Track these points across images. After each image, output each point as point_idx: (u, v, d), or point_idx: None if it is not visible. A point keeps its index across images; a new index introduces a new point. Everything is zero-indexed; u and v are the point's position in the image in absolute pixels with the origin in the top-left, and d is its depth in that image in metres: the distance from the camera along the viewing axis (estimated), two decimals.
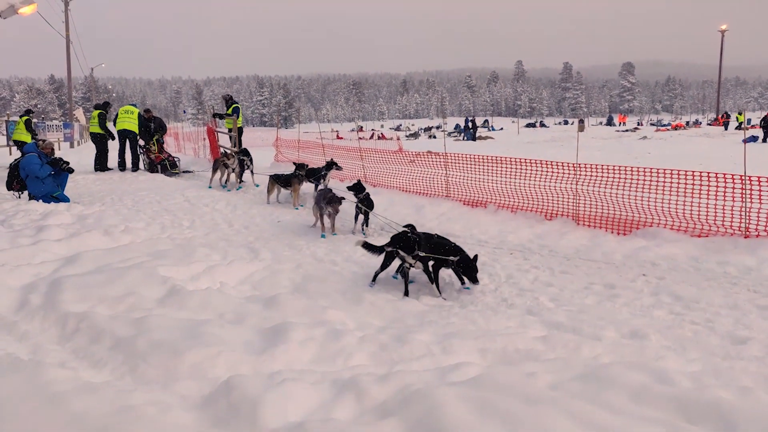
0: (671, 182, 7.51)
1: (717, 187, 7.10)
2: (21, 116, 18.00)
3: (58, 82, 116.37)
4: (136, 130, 16.49)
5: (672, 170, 7.56)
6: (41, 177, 10.29)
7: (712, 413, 2.88)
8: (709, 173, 7.21)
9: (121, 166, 16.84)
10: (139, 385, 3.46)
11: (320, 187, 10.57)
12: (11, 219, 8.23)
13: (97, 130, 16.98)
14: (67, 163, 10.85)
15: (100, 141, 17.03)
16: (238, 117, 15.71)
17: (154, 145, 16.59)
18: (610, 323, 4.72)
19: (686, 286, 5.59)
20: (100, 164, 16.93)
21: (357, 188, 8.87)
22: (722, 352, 4.17)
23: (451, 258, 5.84)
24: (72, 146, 32.73)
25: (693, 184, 7.31)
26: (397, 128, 72.16)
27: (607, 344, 4.24)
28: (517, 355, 4.04)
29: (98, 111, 17.17)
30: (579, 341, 4.25)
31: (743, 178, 6.79)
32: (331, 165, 11.48)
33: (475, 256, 5.85)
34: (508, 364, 3.89)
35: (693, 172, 7.37)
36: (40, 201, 9.99)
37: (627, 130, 49.41)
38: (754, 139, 28.20)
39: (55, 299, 4.72)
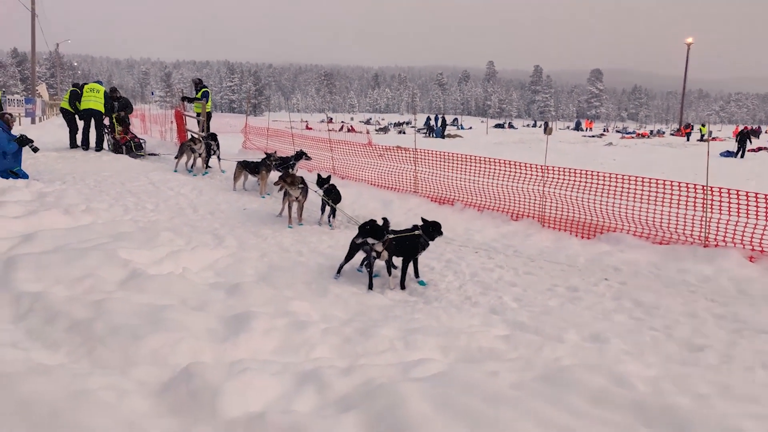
0: (636, 189, 7.66)
1: (680, 196, 7.27)
2: None
3: (21, 55, 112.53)
4: (102, 109, 16.03)
5: (637, 177, 7.71)
6: (9, 152, 9.99)
7: (669, 418, 2.93)
8: (672, 182, 7.38)
9: (85, 144, 16.38)
10: (95, 369, 3.36)
11: None
12: None
13: (65, 106, 16.61)
14: (32, 141, 10.53)
15: (69, 118, 16.61)
16: (207, 101, 15.45)
17: (116, 123, 16.15)
18: (572, 326, 4.79)
19: (647, 293, 5.71)
20: (72, 141, 16.55)
21: (321, 180, 8.83)
22: (679, 358, 4.27)
23: (417, 232, 5.93)
24: (33, 122, 31.73)
25: (657, 192, 7.46)
26: (367, 122, 71.93)
27: (568, 346, 4.31)
28: (480, 354, 4.07)
29: (72, 89, 16.70)
30: (541, 342, 4.31)
31: (705, 188, 6.97)
32: (300, 155, 11.40)
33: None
34: (471, 362, 3.91)
35: (657, 180, 7.53)
36: None
37: (593, 136, 50.31)
38: (729, 154, 28.06)
39: (9, 278, 4.57)
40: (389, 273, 5.98)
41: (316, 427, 2.73)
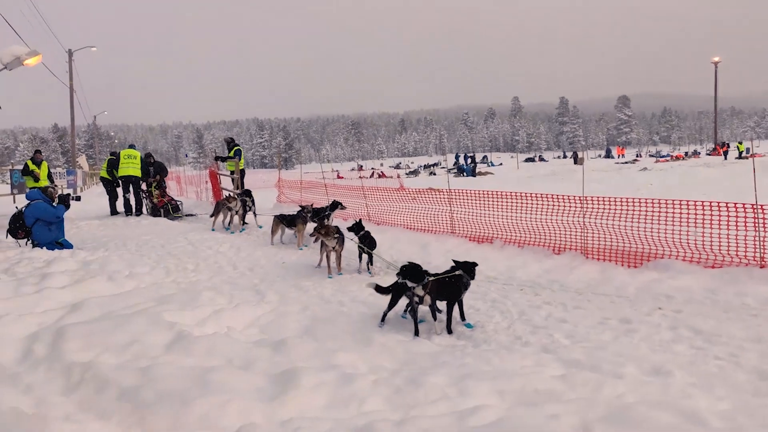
0: (680, 213, 7.43)
1: (728, 216, 7.02)
2: (40, 161, 16.37)
3: (62, 130, 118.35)
4: (140, 174, 16.56)
5: (681, 201, 7.49)
6: (60, 216, 10.41)
7: None
8: (719, 203, 7.12)
9: (129, 210, 16.84)
10: None
11: None
12: (15, 267, 8.12)
13: (104, 174, 17.24)
14: (69, 195, 10.91)
15: (109, 186, 17.21)
16: (239, 159, 15.78)
17: (153, 188, 16.62)
18: (630, 360, 4.57)
19: (705, 319, 5.45)
20: (113, 208, 17.10)
21: (356, 228, 8.83)
22: (751, 388, 4.01)
23: (458, 272, 5.88)
24: (75, 192, 32.92)
25: (704, 214, 7.22)
26: (397, 166, 72.51)
27: (629, 382, 4.10)
28: (537, 396, 3.89)
29: (110, 157, 17.34)
30: (600, 379, 4.12)
31: (755, 206, 6.71)
32: (335, 205, 11.47)
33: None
34: (528, 405, 3.73)
35: (702, 202, 7.28)
36: (44, 248, 9.91)
37: (626, 162, 49.57)
38: None
39: (60, 348, 4.60)
40: (434, 318, 5.86)
41: None
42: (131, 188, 16.85)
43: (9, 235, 10.44)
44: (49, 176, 16.43)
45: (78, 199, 11.25)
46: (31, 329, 5.11)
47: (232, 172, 15.86)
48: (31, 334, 4.95)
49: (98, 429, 3.44)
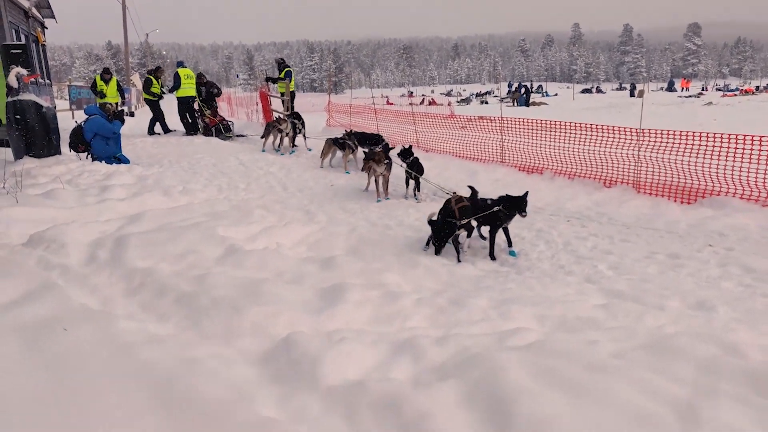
0: (743, 149, 7.13)
1: None
2: (109, 79, 16.90)
3: (115, 48, 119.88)
4: (195, 94, 16.71)
5: (745, 136, 7.15)
6: (116, 132, 10.78)
7: None
8: None
9: (194, 129, 16.85)
10: (202, 339, 3.55)
11: None
12: (77, 179, 8.54)
13: (145, 95, 17.41)
14: (123, 110, 11.27)
15: (151, 105, 17.39)
16: (290, 81, 15.73)
17: (206, 108, 16.74)
18: (675, 293, 4.57)
19: (758, 258, 5.34)
20: (151, 128, 17.31)
21: (405, 153, 8.80)
22: None
23: (496, 208, 5.85)
24: (129, 109, 33.79)
25: None
26: (448, 93, 70.97)
27: (671, 314, 4.11)
28: (577, 323, 3.95)
29: (147, 77, 17.45)
30: (641, 310, 4.14)
31: None
32: (387, 147, 11.08)
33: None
34: (569, 331, 3.81)
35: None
36: (103, 162, 10.32)
37: (690, 96, 47.09)
38: None
39: (121, 255, 4.89)
40: (468, 237, 5.96)
41: (415, 396, 2.76)
42: (186, 108, 17.02)
43: (71, 149, 10.89)
44: (120, 91, 16.83)
45: (132, 114, 11.55)
46: (94, 236, 5.42)
47: (283, 94, 15.87)
48: (94, 241, 5.26)
49: (158, 329, 3.68)
